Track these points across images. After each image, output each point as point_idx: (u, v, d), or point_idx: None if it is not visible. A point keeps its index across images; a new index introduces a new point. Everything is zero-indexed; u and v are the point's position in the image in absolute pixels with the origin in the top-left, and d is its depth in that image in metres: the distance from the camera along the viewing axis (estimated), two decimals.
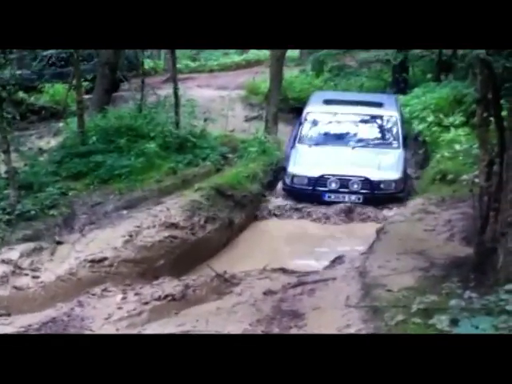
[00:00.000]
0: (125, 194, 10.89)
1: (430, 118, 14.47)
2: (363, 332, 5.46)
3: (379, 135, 12.99)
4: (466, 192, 8.82)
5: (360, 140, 12.80)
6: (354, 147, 12.46)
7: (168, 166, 12.14)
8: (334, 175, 11.67)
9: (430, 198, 10.08)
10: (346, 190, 11.53)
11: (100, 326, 6.32)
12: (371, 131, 13.08)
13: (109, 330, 6.19)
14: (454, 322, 4.89)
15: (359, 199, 11.42)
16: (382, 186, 11.53)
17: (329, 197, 11.55)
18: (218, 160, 12.97)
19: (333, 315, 6.01)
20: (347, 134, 13.02)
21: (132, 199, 10.60)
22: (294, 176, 11.90)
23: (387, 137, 12.86)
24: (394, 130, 12.81)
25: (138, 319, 6.44)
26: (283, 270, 7.97)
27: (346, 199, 11.40)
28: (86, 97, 15.33)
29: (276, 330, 5.73)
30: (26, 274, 7.63)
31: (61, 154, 12.91)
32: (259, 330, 5.69)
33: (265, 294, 6.88)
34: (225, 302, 6.72)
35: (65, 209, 10.09)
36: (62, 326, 6.28)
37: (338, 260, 8.31)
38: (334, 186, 11.58)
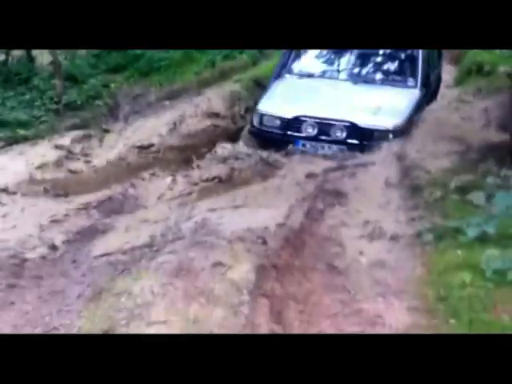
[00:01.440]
0: (165, 86, 11.21)
1: None
2: (403, 209, 5.80)
3: (392, 69, 10.14)
4: (503, 83, 9.02)
5: (367, 74, 9.98)
6: (356, 82, 9.67)
7: (206, 59, 12.35)
8: (311, 117, 8.91)
9: (467, 89, 10.24)
10: (326, 139, 8.80)
11: (153, 204, 6.73)
12: (383, 64, 10.19)
13: (162, 208, 6.57)
14: (490, 197, 5.19)
15: (342, 151, 8.63)
16: (375, 135, 8.60)
17: (303, 145, 8.85)
18: (255, 53, 13.12)
19: (373, 194, 6.35)
20: (352, 64, 10.05)
21: (173, 91, 10.90)
22: (262, 115, 9.13)
23: (403, 72, 9.94)
24: (414, 66, 9.82)
25: (188, 198, 6.79)
26: (323, 156, 8.27)
27: (325, 150, 8.73)
28: None
29: (320, 206, 6.07)
30: (79, 159, 8.05)
31: None
32: (305, 206, 6.04)
33: (307, 176, 7.21)
34: (270, 184, 7.07)
35: (108, 99, 10.44)
36: (118, 204, 6.68)
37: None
38: (310, 131, 8.87)
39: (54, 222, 6.15)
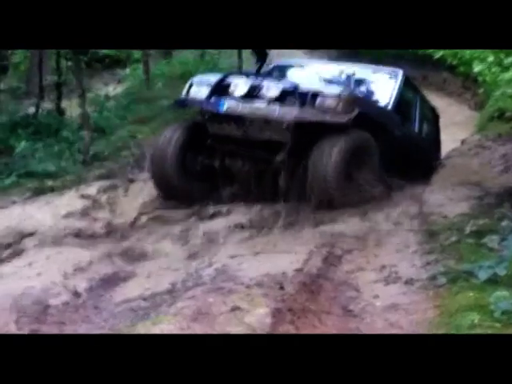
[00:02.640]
0: None
1: (491, 59, 14.55)
2: (419, 253, 5.89)
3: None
4: None
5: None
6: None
7: None
8: (244, 74, 8.42)
9: (487, 135, 10.34)
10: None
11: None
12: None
13: (183, 255, 6.72)
14: (504, 241, 5.26)
15: (274, 111, 7.55)
16: (318, 102, 7.49)
17: (228, 107, 7.76)
18: None
19: (391, 238, 6.45)
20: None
21: None
22: (192, 84, 8.28)
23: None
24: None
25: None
26: None
27: (255, 111, 7.63)
28: None
29: (339, 252, 6.19)
30: (104, 208, 8.24)
31: (127, 100, 13.51)
32: (324, 251, 6.15)
33: None
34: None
35: (135, 150, 10.69)
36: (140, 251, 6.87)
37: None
38: (239, 90, 7.80)
39: (78, 269, 6.30)
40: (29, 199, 8.50)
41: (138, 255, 6.77)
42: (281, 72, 9.58)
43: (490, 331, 3.77)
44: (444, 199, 7.22)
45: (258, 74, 8.74)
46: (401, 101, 8.79)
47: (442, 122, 11.42)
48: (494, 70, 14.11)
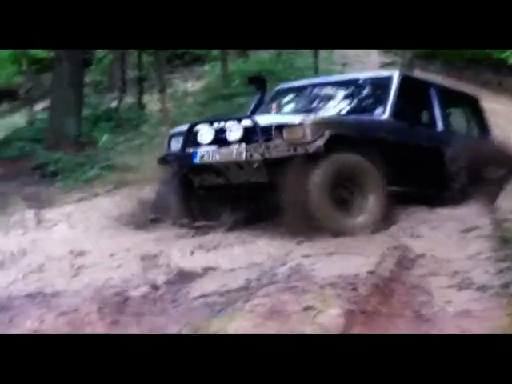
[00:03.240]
0: None
1: None
2: (493, 260, 5.90)
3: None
4: None
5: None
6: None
7: None
8: (206, 121, 7.81)
9: None
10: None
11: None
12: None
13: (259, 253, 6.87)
14: None
15: (240, 154, 7.19)
16: (285, 134, 7.13)
17: (201, 157, 7.42)
18: None
19: (464, 244, 6.48)
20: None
21: None
22: (172, 136, 8.02)
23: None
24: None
25: None
26: None
27: (223, 157, 7.31)
28: None
29: (411, 256, 6.26)
30: None
31: (205, 96, 13.73)
32: (396, 254, 6.23)
33: None
34: None
35: None
36: None
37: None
38: (205, 138, 7.47)
39: (157, 263, 6.52)
40: (111, 191, 8.76)
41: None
42: (283, 96, 9.37)
43: None
44: None
45: (257, 106, 8.64)
46: (404, 104, 8.23)
47: None
48: None
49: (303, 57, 15.26)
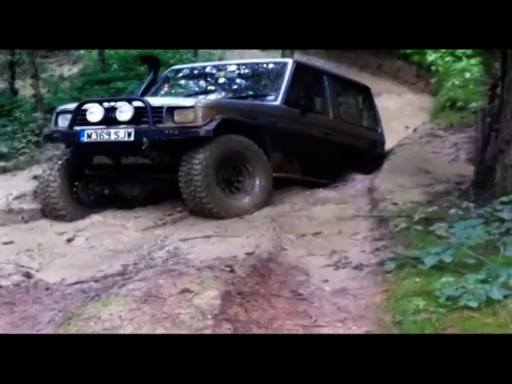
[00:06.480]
0: None
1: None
2: (370, 239, 5.98)
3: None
4: (473, 118, 9.28)
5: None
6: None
7: None
8: (96, 101, 7.75)
9: (439, 124, 10.50)
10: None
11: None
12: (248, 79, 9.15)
13: (136, 238, 6.74)
14: (451, 228, 5.35)
15: (129, 135, 7.10)
16: (176, 116, 7.15)
17: (88, 136, 7.24)
18: None
19: (343, 224, 6.54)
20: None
21: None
22: (59, 113, 7.84)
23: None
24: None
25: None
26: None
27: (112, 137, 7.15)
28: None
29: (291, 237, 6.28)
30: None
31: (82, 81, 13.39)
32: (276, 235, 6.22)
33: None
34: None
35: None
36: None
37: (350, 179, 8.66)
38: (94, 117, 7.33)
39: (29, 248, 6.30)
40: None
41: None
42: (175, 78, 9.49)
43: (434, 316, 3.85)
44: (395, 186, 7.32)
45: (149, 86, 8.71)
46: (296, 91, 8.28)
47: (396, 111, 11.54)
48: (447, 59, 14.30)
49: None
